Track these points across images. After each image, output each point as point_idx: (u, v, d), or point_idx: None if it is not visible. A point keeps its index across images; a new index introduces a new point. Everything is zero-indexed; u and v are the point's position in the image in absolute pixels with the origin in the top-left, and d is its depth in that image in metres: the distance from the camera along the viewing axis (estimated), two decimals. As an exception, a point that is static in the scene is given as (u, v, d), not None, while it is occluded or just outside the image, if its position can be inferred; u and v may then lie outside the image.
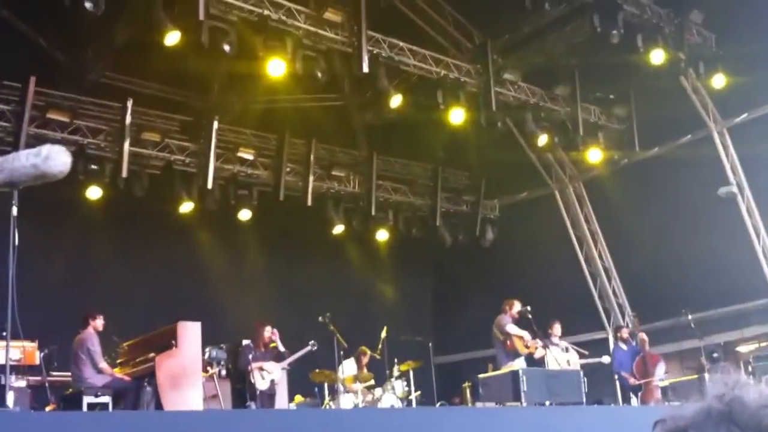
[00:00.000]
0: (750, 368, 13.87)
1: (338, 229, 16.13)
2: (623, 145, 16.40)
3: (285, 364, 11.80)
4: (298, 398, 12.59)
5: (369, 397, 12.47)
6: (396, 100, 13.49)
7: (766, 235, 15.51)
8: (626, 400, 12.95)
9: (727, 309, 15.59)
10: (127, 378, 9.76)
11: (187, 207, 14.17)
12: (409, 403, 12.48)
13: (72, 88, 12.89)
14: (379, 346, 12.96)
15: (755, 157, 15.21)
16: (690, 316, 13.86)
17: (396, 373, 12.76)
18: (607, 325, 17.62)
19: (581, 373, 10.41)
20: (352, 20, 12.61)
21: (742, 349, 16.04)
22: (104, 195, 13.13)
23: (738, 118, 15.60)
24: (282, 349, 11.82)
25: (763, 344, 15.72)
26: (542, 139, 15.62)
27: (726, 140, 15.77)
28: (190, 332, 9.35)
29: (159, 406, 9.06)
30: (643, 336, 13.19)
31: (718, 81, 14.54)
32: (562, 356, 12.22)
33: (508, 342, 11.48)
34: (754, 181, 15.49)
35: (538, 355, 11.67)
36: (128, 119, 12.97)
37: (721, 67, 14.45)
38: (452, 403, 13.03)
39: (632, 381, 12.88)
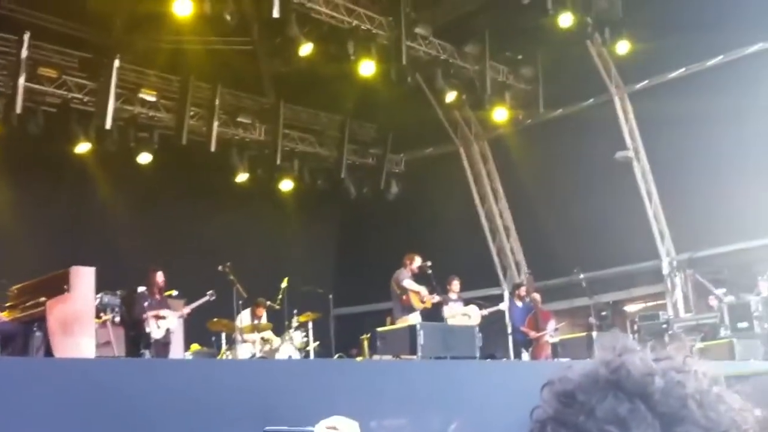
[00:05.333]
0: (636, 327, 14.47)
1: (242, 177, 15.90)
2: (528, 105, 16.65)
3: (182, 312, 11.63)
4: (195, 347, 12.44)
5: (267, 347, 12.44)
6: (306, 49, 13.29)
7: (658, 200, 16.14)
8: (518, 355, 13.35)
9: (617, 269, 16.21)
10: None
11: (84, 147, 13.70)
12: (307, 354, 12.51)
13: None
14: (279, 297, 12.90)
15: (653, 123, 15.73)
16: (581, 275, 14.32)
17: (295, 323, 12.76)
18: (503, 281, 18.07)
19: (476, 328, 10.66)
20: (264, -37, 12.29)
21: (629, 308, 16.76)
22: (-4, 131, 12.55)
23: (639, 84, 16.06)
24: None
25: (649, 304, 16.46)
26: (450, 96, 15.73)
27: (626, 105, 16.24)
28: (84, 277, 9.06)
29: (49, 351, 8.81)
30: (536, 296, 13.59)
31: (622, 47, 14.88)
32: (461, 311, 12.48)
33: (404, 297, 11.63)
34: (651, 147, 16.04)
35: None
36: (24, 53, 12.38)
37: (626, 34, 14.75)
38: (350, 355, 13.11)
39: (532, 334, 13.25)
